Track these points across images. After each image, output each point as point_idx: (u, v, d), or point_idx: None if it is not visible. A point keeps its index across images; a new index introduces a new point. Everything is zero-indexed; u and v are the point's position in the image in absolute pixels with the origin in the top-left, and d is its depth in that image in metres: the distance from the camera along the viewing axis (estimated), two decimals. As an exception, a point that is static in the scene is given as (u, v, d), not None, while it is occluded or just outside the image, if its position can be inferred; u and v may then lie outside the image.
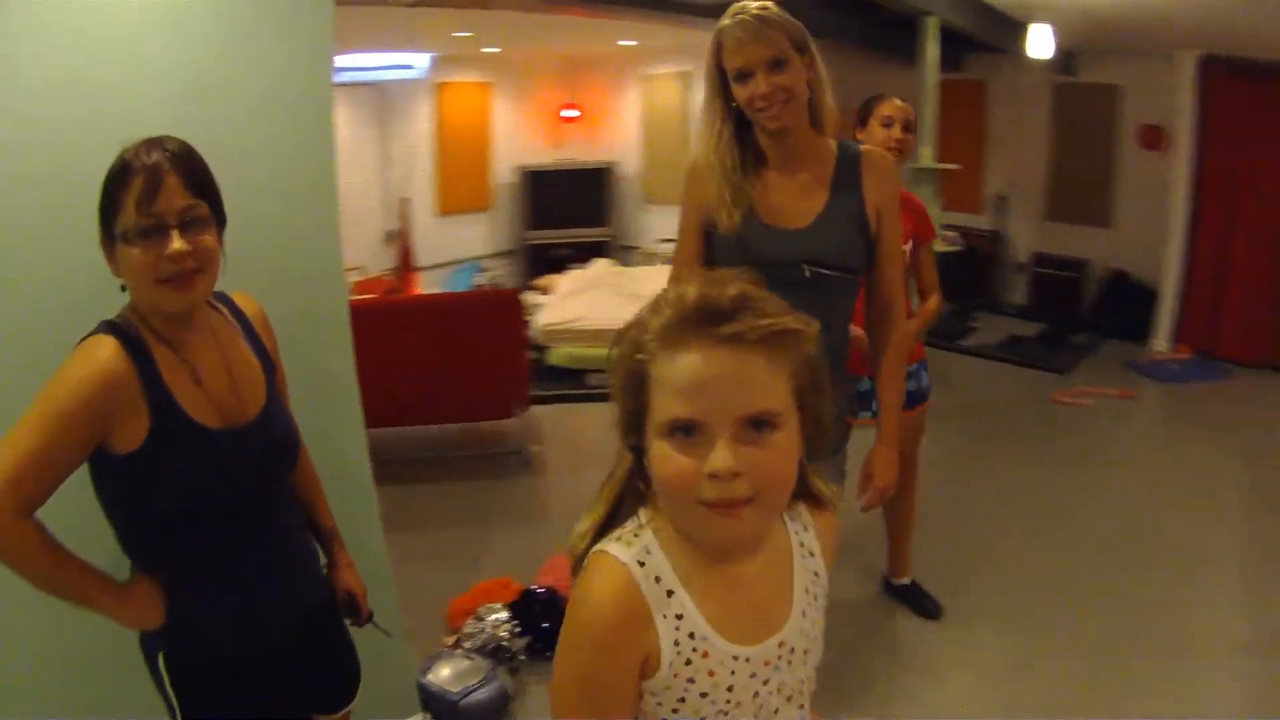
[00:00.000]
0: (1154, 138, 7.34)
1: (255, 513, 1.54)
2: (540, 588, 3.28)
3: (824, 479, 1.17)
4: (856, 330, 2.33)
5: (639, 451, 1.04)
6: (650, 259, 8.86)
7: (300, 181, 2.03)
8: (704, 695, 1.05)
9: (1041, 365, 6.76)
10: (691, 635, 1.04)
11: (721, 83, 1.93)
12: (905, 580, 3.51)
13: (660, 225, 9.07)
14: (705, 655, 1.04)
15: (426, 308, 5.36)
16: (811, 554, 1.15)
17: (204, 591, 1.50)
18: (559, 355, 6.19)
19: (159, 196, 1.36)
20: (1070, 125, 7.83)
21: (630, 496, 1.11)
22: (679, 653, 1.03)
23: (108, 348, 1.38)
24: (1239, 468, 4.89)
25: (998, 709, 2.87)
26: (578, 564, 1.09)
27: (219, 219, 1.47)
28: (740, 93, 1.90)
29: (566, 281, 7.44)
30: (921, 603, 3.44)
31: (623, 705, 1.05)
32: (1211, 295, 7.03)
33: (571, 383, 6.06)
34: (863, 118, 3.15)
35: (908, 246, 3.04)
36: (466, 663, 2.80)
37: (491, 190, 9.55)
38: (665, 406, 0.96)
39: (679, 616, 1.03)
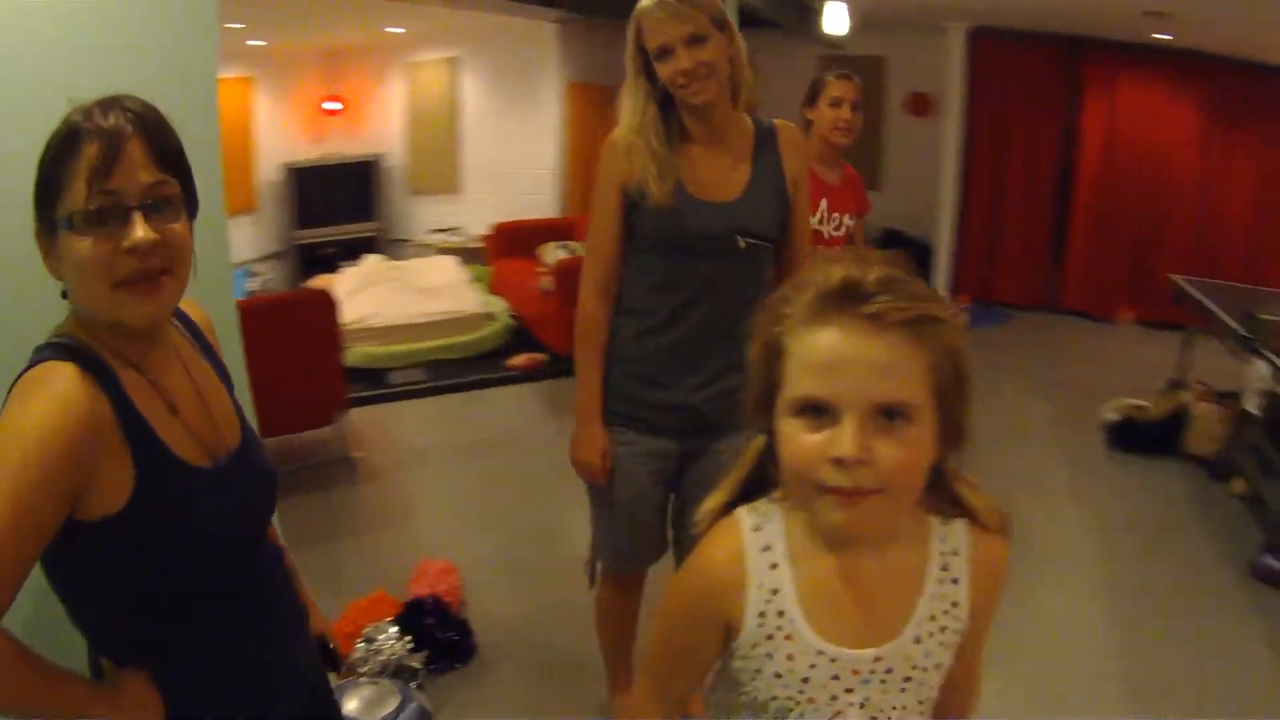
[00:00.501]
0: (921, 104, 7.92)
1: (249, 565, 1.24)
2: (425, 597, 3.07)
3: (985, 497, 1.06)
4: None
5: (770, 434, 0.98)
6: (424, 251, 8.57)
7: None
8: (778, 676, 1.00)
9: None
10: (780, 614, 0.99)
11: (643, 62, 1.93)
12: None
13: (431, 216, 8.84)
14: (788, 638, 0.99)
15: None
16: (955, 581, 1.03)
17: (206, 673, 1.18)
18: (355, 355, 5.90)
19: (117, 169, 1.02)
20: None
21: (759, 480, 1.06)
22: (761, 625, 1.00)
23: (68, 379, 1.02)
24: (1039, 400, 5.34)
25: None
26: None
27: (191, 205, 1.14)
28: (663, 70, 1.89)
29: (344, 281, 7.08)
30: None
31: (690, 663, 1.09)
32: (985, 246, 7.72)
33: (374, 383, 5.85)
34: (811, 97, 3.25)
35: (853, 219, 3.21)
36: (372, 688, 2.55)
37: (256, 190, 8.92)
38: (797, 383, 0.91)
39: (774, 591, 0.99)
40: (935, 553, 1.03)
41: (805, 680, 0.99)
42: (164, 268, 1.06)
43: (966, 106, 7.41)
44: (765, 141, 2.05)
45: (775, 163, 2.05)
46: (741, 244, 1.97)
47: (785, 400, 0.92)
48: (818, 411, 0.88)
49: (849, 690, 1.00)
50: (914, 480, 0.92)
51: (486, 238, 7.66)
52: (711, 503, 1.07)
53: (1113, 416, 4.69)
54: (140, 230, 1.02)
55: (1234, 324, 4.09)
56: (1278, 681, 2.86)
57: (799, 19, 6.68)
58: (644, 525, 2.18)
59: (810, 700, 1.00)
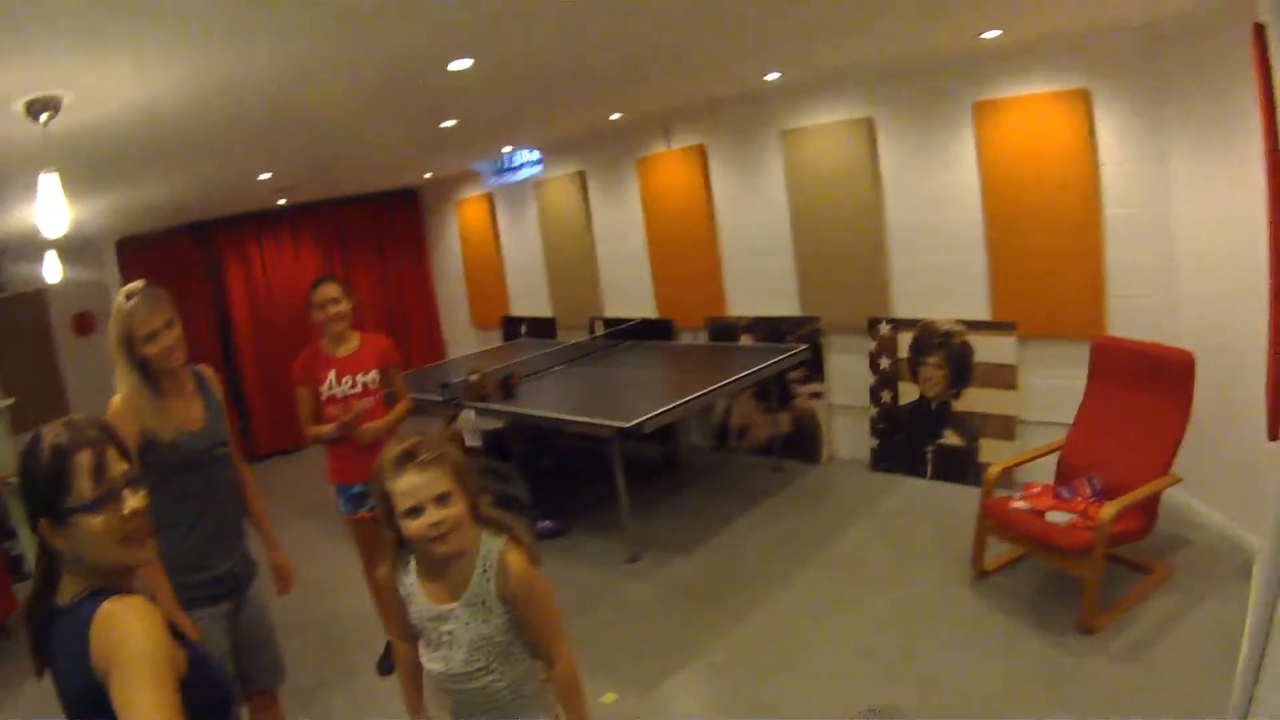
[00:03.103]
0: (86, 323, 8.33)
1: None
2: None
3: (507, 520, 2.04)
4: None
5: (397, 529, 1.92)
6: None
7: None
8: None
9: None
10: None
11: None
12: None
13: None
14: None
15: None
16: (484, 572, 1.94)
17: None
18: None
19: (107, 467, 1.44)
20: (6, 336, 7.93)
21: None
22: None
23: (128, 602, 1.40)
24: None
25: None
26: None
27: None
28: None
29: None
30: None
31: None
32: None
33: None
34: None
35: (368, 375, 3.88)
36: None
37: None
38: (400, 502, 1.87)
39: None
40: (480, 556, 1.94)
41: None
42: (145, 524, 1.49)
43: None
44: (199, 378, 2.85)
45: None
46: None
47: (399, 511, 1.87)
48: (414, 511, 1.84)
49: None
50: (461, 522, 1.88)
51: None
52: (386, 566, 2.03)
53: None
54: (133, 501, 1.46)
55: (439, 396, 5.75)
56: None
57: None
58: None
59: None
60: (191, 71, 2.85)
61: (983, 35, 4.32)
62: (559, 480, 6.07)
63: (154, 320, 2.62)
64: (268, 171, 6.00)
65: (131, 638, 1.34)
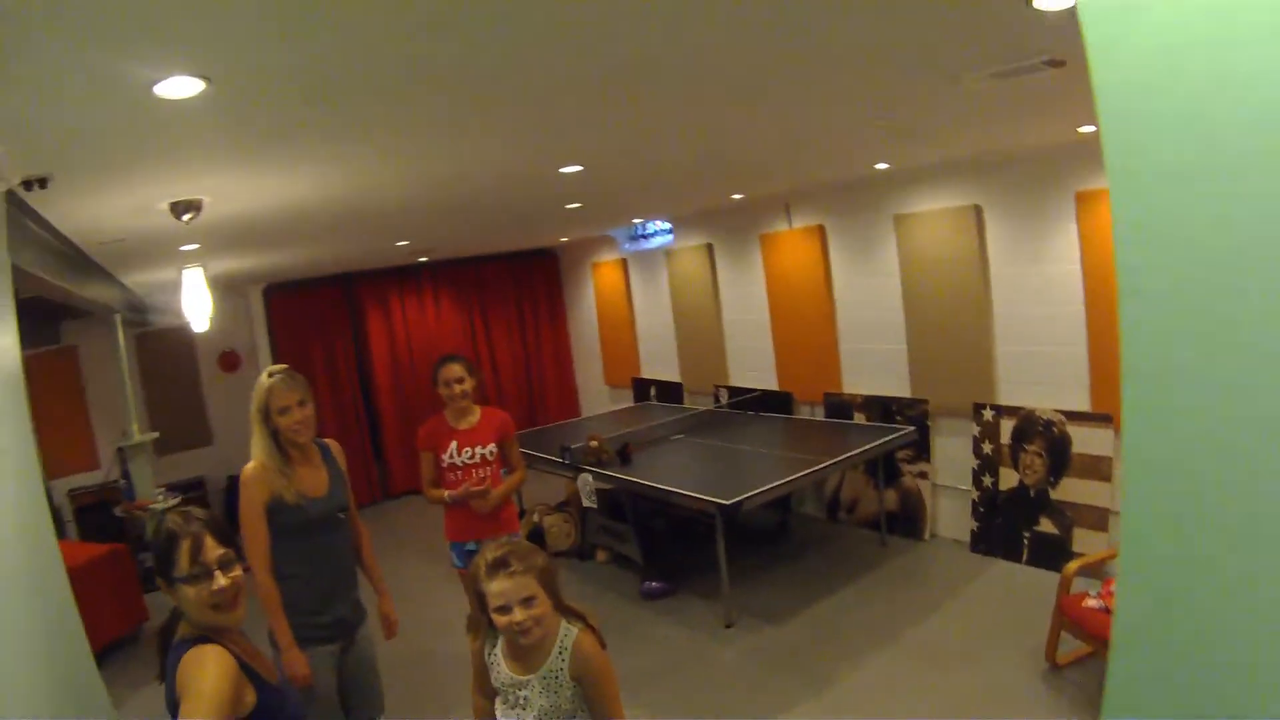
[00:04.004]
0: (231, 361, 9.13)
1: None
2: None
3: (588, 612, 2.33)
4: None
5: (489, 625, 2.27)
6: None
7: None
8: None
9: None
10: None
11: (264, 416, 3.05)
12: None
13: None
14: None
15: None
16: (560, 653, 2.24)
17: None
18: None
19: (202, 552, 1.90)
20: (156, 367, 8.81)
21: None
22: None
23: (216, 651, 1.84)
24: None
25: None
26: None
27: (240, 556, 2.02)
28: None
29: None
30: None
31: None
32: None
33: None
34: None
35: (486, 448, 4.23)
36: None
37: None
38: (491, 602, 2.17)
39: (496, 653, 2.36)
40: (558, 639, 2.23)
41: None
42: (236, 594, 1.94)
43: (273, 348, 8.83)
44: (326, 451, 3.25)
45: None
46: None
47: (491, 606, 2.16)
48: (503, 609, 2.13)
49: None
50: (543, 618, 2.17)
51: None
52: (476, 642, 2.38)
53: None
54: (222, 580, 1.91)
55: (557, 456, 6.25)
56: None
57: (141, 308, 7.62)
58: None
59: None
60: (323, 177, 3.26)
61: (1079, 129, 4.45)
62: (672, 542, 6.36)
63: (289, 397, 3.03)
64: (405, 240, 6.52)
65: (199, 677, 1.78)
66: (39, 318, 7.33)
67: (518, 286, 10.42)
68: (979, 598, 5.05)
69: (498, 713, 2.36)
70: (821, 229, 6.70)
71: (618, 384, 9.75)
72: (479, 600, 2.25)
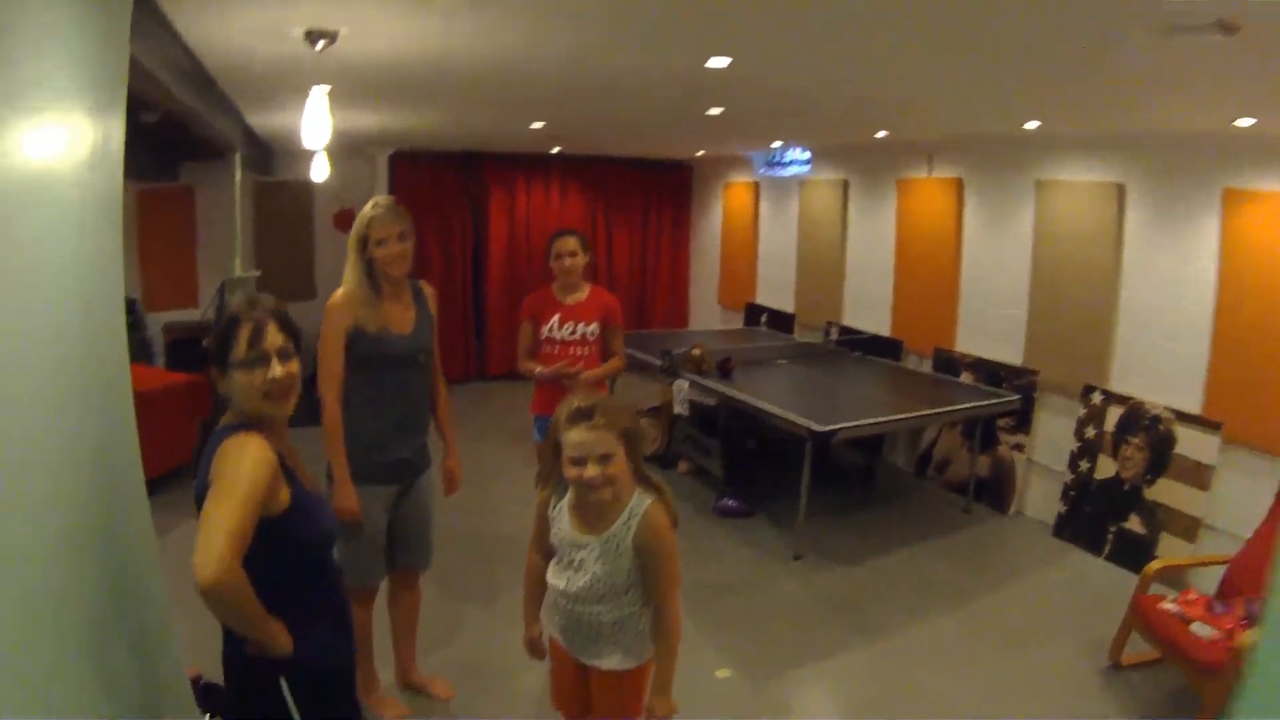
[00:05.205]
0: (346, 220, 8.94)
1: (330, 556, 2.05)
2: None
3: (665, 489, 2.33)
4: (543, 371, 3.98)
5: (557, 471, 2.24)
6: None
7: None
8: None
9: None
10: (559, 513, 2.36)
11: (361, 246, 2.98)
12: None
13: None
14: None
15: None
16: (626, 521, 2.21)
17: (313, 627, 1.90)
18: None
19: (265, 337, 1.84)
20: (271, 217, 9.03)
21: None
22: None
23: (259, 440, 1.78)
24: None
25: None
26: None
27: (300, 353, 1.94)
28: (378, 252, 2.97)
29: None
30: None
31: None
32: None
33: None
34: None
35: (589, 326, 4.12)
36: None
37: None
38: (569, 451, 2.14)
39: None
40: (629, 507, 2.19)
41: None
42: (289, 385, 1.88)
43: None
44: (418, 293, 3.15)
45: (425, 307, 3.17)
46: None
47: (566, 457, 2.14)
48: (578, 461, 2.11)
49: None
50: (617, 479, 2.14)
51: None
52: (544, 492, 2.35)
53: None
54: (278, 369, 1.85)
55: (656, 360, 6.30)
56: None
57: (265, 156, 7.95)
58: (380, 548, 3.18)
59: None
60: (474, 30, 2.99)
61: (1235, 123, 4.19)
62: (758, 465, 6.41)
63: (390, 228, 2.94)
64: (540, 121, 6.39)
65: (236, 463, 1.73)
66: (160, 154, 7.51)
67: (646, 193, 10.40)
68: (1051, 583, 5.01)
69: (549, 574, 2.34)
70: (959, 182, 6.49)
71: (730, 305, 9.76)
72: (553, 450, 2.21)
